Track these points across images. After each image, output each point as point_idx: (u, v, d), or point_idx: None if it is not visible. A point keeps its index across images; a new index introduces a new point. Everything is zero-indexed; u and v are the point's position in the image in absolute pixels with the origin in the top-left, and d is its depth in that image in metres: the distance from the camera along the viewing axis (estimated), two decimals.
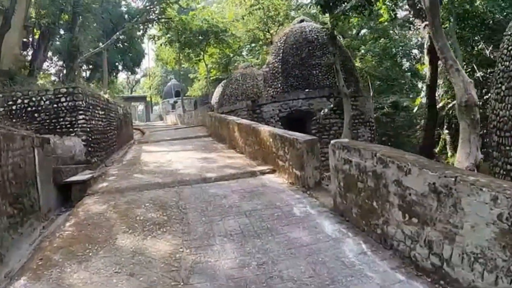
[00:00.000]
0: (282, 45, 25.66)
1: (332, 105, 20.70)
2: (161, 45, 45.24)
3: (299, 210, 7.94)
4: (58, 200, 10.84)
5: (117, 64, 50.08)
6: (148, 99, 79.41)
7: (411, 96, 40.16)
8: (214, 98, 43.35)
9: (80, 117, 13.78)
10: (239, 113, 22.56)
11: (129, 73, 67.07)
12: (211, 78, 47.68)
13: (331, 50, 18.38)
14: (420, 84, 40.26)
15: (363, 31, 38.37)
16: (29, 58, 25.27)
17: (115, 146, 18.71)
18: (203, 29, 38.74)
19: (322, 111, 20.23)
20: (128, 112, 25.88)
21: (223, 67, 45.13)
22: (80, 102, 13.79)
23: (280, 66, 25.12)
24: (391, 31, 37.32)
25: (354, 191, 6.96)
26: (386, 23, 30.43)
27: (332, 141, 7.94)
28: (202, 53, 42.94)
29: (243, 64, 37.53)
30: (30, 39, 25.99)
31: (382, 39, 35.71)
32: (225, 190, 9.80)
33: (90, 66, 46.37)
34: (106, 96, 18.88)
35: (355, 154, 6.92)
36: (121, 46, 48.23)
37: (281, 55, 25.36)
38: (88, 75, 47.12)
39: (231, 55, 46.21)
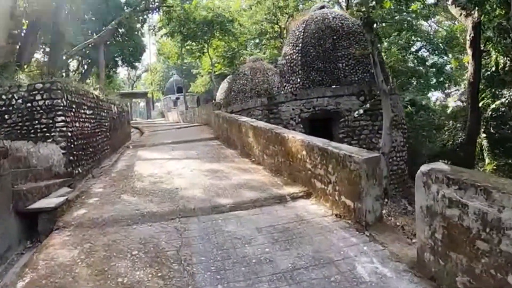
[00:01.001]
0: (301, 34, 22.66)
1: (368, 105, 17.70)
2: (162, 36, 42.11)
3: (366, 270, 5.17)
4: (23, 232, 7.99)
5: (116, 58, 47.56)
6: (149, 95, 76.77)
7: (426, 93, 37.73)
8: (219, 95, 40.60)
9: (59, 118, 11.05)
10: (251, 112, 19.63)
11: (129, 68, 64.08)
12: (216, 73, 44.77)
13: (368, 38, 15.37)
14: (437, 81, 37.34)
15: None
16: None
17: (107, 150, 16.03)
18: (207, 19, 35.69)
19: (357, 111, 17.24)
20: (125, 110, 23.14)
21: (228, 62, 42.13)
22: (59, 101, 11.03)
23: (299, 58, 22.16)
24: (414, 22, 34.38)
25: (465, 252, 4.26)
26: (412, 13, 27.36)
27: (424, 168, 5.02)
28: (206, 45, 39.93)
29: (251, 57, 34.55)
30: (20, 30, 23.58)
31: (405, 31, 32.75)
32: (247, 227, 6.94)
33: (87, 61, 43.91)
34: (96, 92, 16.08)
35: (476, 195, 4.12)
36: (120, 39, 45.69)
37: (300, 45, 22.39)
38: (84, 70, 44.73)
39: (237, 48, 43.28)
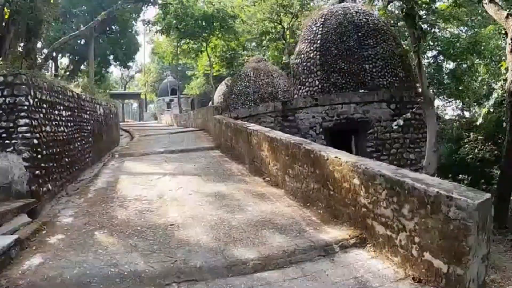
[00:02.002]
0: (320, 29, 20.09)
1: (409, 114, 15.07)
2: (156, 32, 39.28)
3: None
4: None
5: (108, 57, 45.11)
6: (142, 96, 74.20)
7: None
8: (217, 97, 38.05)
9: (22, 121, 8.52)
10: (261, 119, 17.01)
11: (122, 68, 61.59)
12: (213, 75, 42.20)
13: (412, 33, 12.82)
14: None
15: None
16: None
17: (89, 159, 13.49)
18: (207, 14, 32.96)
19: (395, 122, 14.56)
20: (113, 111, 20.52)
21: (227, 63, 39.52)
22: (23, 98, 8.45)
23: (318, 57, 19.57)
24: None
25: None
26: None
27: None
28: (204, 44, 37.22)
29: (254, 57, 31.92)
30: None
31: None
32: None
33: (76, 57, 41.35)
34: (78, 90, 13.52)
35: None
36: (113, 36, 43.24)
37: (318, 42, 19.81)
38: (73, 67, 42.15)
39: (237, 48, 40.70)
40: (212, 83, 39.04)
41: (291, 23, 41.09)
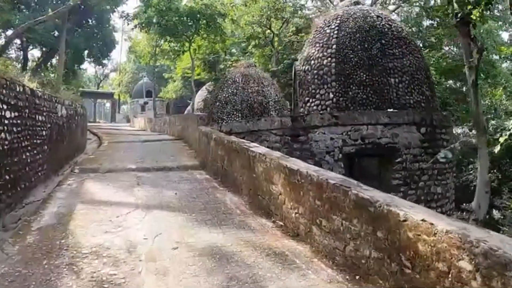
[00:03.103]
0: (335, 32, 17.42)
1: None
2: (135, 27, 35.99)
3: None
4: None
5: (82, 52, 41.92)
6: (116, 96, 71.09)
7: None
8: (197, 104, 35.14)
9: None
10: (263, 137, 14.16)
11: (96, 64, 58.37)
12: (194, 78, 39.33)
13: (468, 44, 10.24)
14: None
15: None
16: None
17: (43, 173, 10.84)
18: (194, 10, 29.90)
19: (444, 154, 11.94)
20: (79, 112, 17.65)
21: (209, 66, 36.64)
22: None
23: (333, 64, 16.86)
24: None
25: None
26: None
27: None
28: (187, 44, 34.17)
29: (243, 61, 29.06)
30: None
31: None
32: None
33: (46, 49, 38.07)
34: (32, 85, 10.69)
35: None
36: (88, 30, 40.14)
37: (334, 47, 17.11)
38: (42, 60, 38.89)
39: (221, 52, 37.89)
40: (194, 88, 35.96)
41: (281, 28, 38.60)
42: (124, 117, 68.73)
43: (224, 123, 18.22)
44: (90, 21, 39.89)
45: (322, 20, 19.90)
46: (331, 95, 16.59)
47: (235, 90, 23.71)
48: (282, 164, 7.70)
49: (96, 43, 41.14)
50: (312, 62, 17.56)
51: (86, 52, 42.18)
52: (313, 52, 17.76)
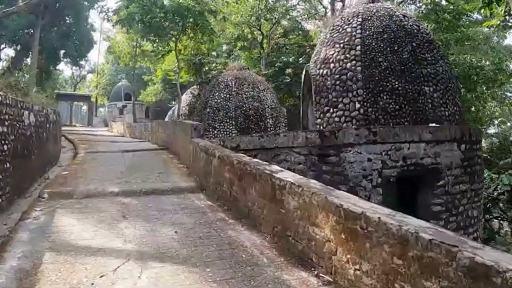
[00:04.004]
0: (358, 31, 15.30)
1: None
2: (116, 23, 33.31)
3: None
4: None
5: (57, 51, 39.44)
6: (93, 99, 68.33)
7: None
8: (182, 109, 32.73)
9: None
10: (282, 156, 11.78)
11: (72, 65, 55.79)
12: (174, 81, 37.05)
13: None
14: None
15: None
16: None
17: (3, 199, 8.40)
18: (182, 6, 27.37)
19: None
20: (52, 119, 15.19)
21: (194, 68, 34.26)
22: None
23: (359, 69, 14.70)
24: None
25: None
26: None
27: None
28: (172, 44, 31.69)
29: (235, 63, 26.81)
30: None
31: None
32: None
33: (17, 47, 35.48)
34: None
35: None
36: (65, 28, 37.70)
37: (358, 48, 14.96)
38: (13, 59, 36.26)
39: (207, 53, 35.56)
40: (179, 91, 33.52)
41: (271, 30, 36.47)
42: (101, 120, 66.02)
43: (215, 131, 15.87)
44: (67, 18, 37.51)
45: (338, 17, 17.65)
46: (358, 105, 14.38)
47: (227, 95, 21.51)
48: (333, 203, 5.46)
49: (72, 42, 39.06)
50: (332, 65, 15.30)
51: (62, 51, 39.86)
52: (332, 54, 15.50)
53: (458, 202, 12.53)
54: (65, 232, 7.26)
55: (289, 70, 33.99)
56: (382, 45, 14.85)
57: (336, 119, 14.71)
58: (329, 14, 43.66)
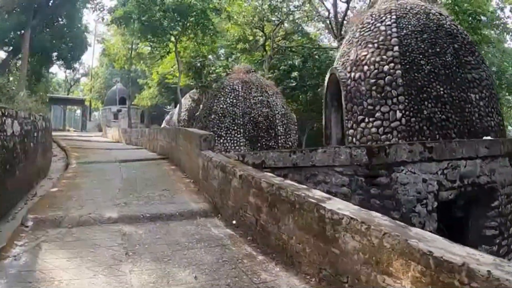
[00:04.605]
0: (394, 30, 13.91)
1: None
2: (111, 23, 31.46)
3: None
4: None
5: (50, 53, 37.67)
6: (87, 103, 66.65)
7: None
8: (182, 114, 31.02)
9: None
10: (320, 176, 10.03)
11: (66, 68, 53.96)
12: (172, 85, 35.36)
13: None
14: None
15: None
16: None
17: None
18: (183, 4, 25.57)
19: None
20: (40, 126, 13.52)
21: (194, 72, 32.53)
22: None
23: (399, 72, 13.33)
24: None
25: None
26: None
27: None
28: (173, 44, 29.92)
29: (241, 66, 25.10)
30: None
31: None
32: None
33: (8, 49, 33.65)
34: None
35: None
36: (58, 29, 35.95)
37: (396, 49, 13.53)
38: (2, 60, 34.44)
39: (208, 55, 33.87)
40: (180, 96, 31.78)
41: (274, 31, 34.85)
42: (95, 125, 64.43)
43: (222, 140, 14.17)
44: (60, 19, 35.77)
45: (368, 14, 16.00)
46: (399, 114, 12.86)
47: (234, 100, 19.84)
48: (418, 249, 3.92)
49: (66, 44, 37.17)
50: (366, 67, 13.69)
51: (54, 54, 38.08)
52: (365, 55, 13.90)
53: (510, 223, 10.94)
54: (52, 280, 5.54)
55: (295, 74, 32.39)
56: (422, 46, 13.39)
57: (373, 130, 13.09)
58: (331, 15, 42.42)
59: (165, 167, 16.23)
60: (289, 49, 37.10)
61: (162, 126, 40.83)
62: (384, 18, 14.47)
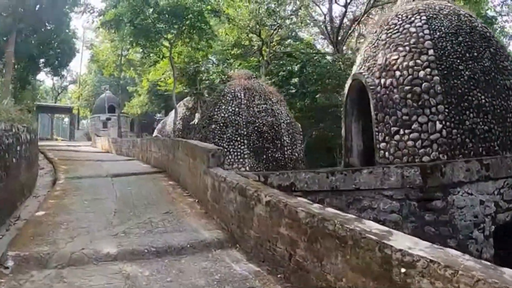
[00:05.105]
0: (427, 33, 12.61)
1: None
2: (102, 25, 29.83)
3: None
4: None
5: (37, 60, 36.21)
6: (75, 111, 64.94)
7: None
8: (176, 123, 29.54)
9: None
10: (364, 202, 8.64)
11: (53, 75, 52.39)
12: (165, 92, 33.99)
13: None
14: None
15: None
16: None
17: None
18: (180, 6, 24.00)
19: None
20: (24, 139, 12.08)
21: (188, 78, 31.13)
22: None
23: (437, 79, 12.10)
24: None
25: None
26: None
27: None
28: (167, 48, 28.42)
29: (241, 71, 23.66)
30: None
31: None
32: None
33: None
34: None
35: None
36: (45, 35, 34.52)
37: (431, 53, 12.25)
38: None
39: (202, 60, 32.49)
40: (175, 103, 30.31)
41: (271, 35, 33.53)
42: (84, 134, 62.67)
43: (224, 152, 12.70)
44: (47, 24, 34.34)
45: (392, 15, 14.66)
46: (439, 125, 11.55)
47: (237, 109, 18.40)
48: None
49: (53, 50, 35.77)
50: (398, 73, 12.37)
51: (42, 60, 36.66)
52: (396, 59, 12.58)
53: None
54: None
55: (295, 80, 31.05)
56: (459, 50, 12.21)
57: (410, 143, 11.75)
58: (327, 20, 41.37)
59: (162, 182, 14.77)
60: (286, 54, 35.81)
61: (154, 135, 39.42)
62: (413, 19, 13.19)
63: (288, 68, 32.03)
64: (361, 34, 46.56)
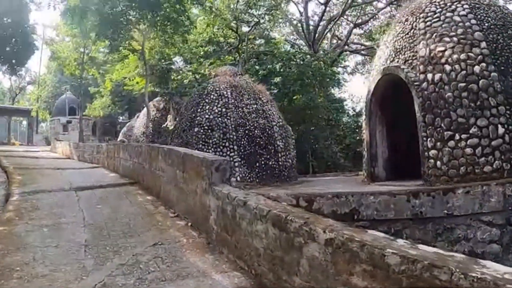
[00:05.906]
0: (474, 23, 10.94)
1: None
2: (63, 14, 26.80)
3: None
4: None
5: None
6: (33, 114, 61.69)
7: None
8: (149, 127, 27.04)
9: None
10: (458, 231, 6.73)
11: (10, 75, 49.35)
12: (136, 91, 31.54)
13: None
14: None
15: None
16: None
17: None
18: None
19: None
20: None
21: (159, 76, 28.69)
22: None
23: (494, 75, 10.25)
24: None
25: None
26: None
27: None
28: (138, 42, 25.83)
29: (224, 68, 21.22)
30: None
31: None
32: None
33: None
34: None
35: None
36: (1, 28, 32.01)
37: (483, 45, 10.45)
38: None
39: (173, 57, 30.16)
40: (147, 103, 27.76)
41: (249, 31, 31.35)
42: (43, 138, 59.55)
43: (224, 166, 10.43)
44: (4, 18, 31.76)
45: (425, 2, 12.56)
46: (501, 129, 9.65)
47: (223, 109, 16.05)
48: None
49: (11, 48, 33.21)
50: (448, 67, 10.34)
51: None
52: (442, 50, 10.59)
53: None
54: None
55: (277, 79, 28.84)
56: (510, 42, 10.31)
57: (468, 150, 9.68)
58: (303, 19, 39.96)
59: (138, 197, 12.35)
60: (264, 53, 33.70)
61: (119, 139, 36.88)
62: (453, 6, 11.36)
63: (268, 66, 29.88)
64: (335, 35, 45.30)
